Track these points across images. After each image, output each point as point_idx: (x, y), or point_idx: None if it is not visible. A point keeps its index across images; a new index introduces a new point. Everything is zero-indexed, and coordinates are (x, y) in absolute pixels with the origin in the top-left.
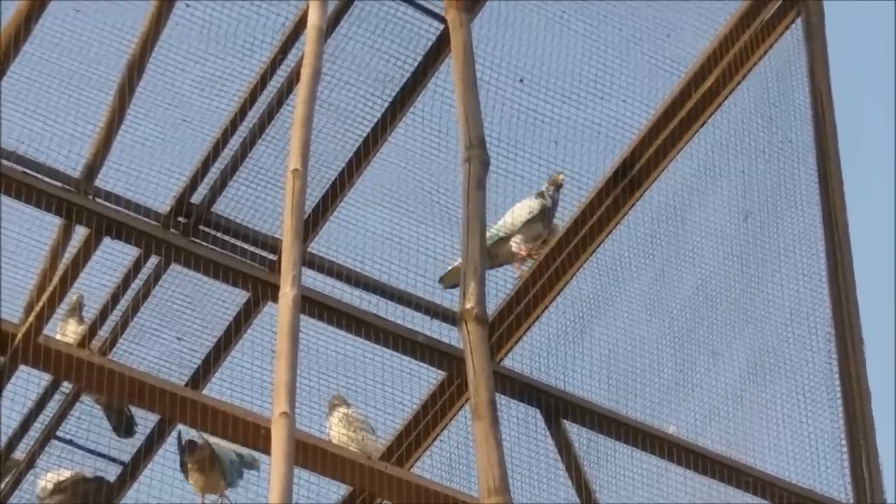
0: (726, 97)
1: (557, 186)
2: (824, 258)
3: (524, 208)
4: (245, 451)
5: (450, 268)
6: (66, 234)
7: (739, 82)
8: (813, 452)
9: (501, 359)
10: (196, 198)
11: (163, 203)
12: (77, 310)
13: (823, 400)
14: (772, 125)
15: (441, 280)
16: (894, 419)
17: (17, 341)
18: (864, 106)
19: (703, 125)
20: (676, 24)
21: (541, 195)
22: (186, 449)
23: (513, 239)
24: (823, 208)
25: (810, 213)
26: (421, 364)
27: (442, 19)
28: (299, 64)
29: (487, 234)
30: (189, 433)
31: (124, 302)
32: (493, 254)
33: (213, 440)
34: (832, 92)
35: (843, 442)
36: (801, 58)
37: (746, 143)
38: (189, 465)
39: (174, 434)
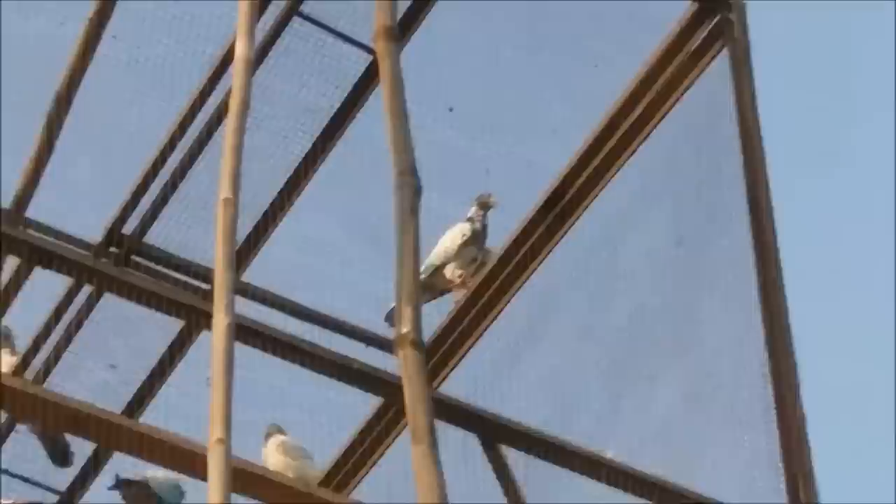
0: (655, 126)
1: (486, 208)
2: (756, 282)
3: (455, 234)
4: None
5: (393, 305)
6: None
7: (667, 112)
8: (750, 474)
9: (438, 385)
10: (127, 228)
11: (94, 234)
12: (8, 341)
13: (759, 422)
14: (701, 153)
15: (386, 318)
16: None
17: None
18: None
19: (632, 154)
20: (604, 54)
21: (470, 220)
22: (123, 487)
23: (447, 266)
24: (753, 232)
25: (742, 237)
26: (357, 391)
27: (370, 50)
28: (228, 95)
29: (423, 266)
30: (124, 473)
31: (57, 332)
32: (430, 284)
33: (150, 472)
34: (759, 118)
35: (780, 464)
36: (728, 84)
37: (677, 171)
38: (129, 500)
39: (112, 478)
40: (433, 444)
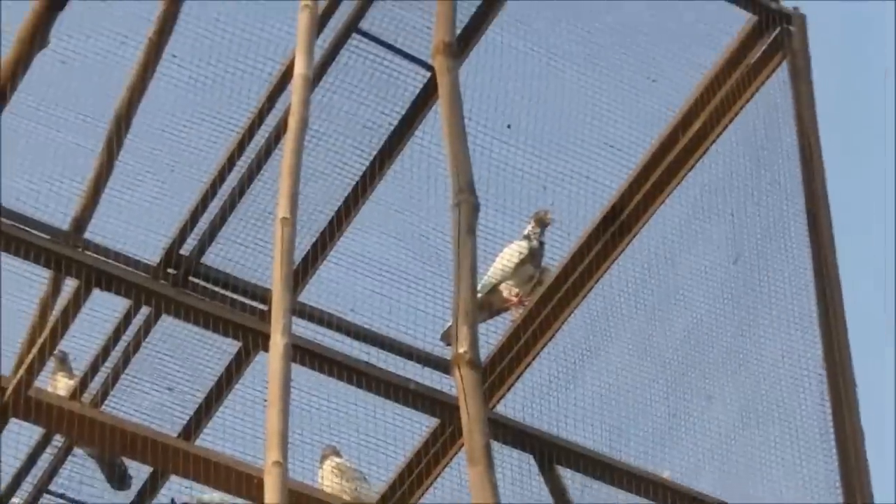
0: (714, 140)
1: (543, 225)
2: (815, 299)
3: (512, 252)
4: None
5: (450, 324)
6: (55, 286)
7: (727, 126)
8: (808, 496)
9: (494, 405)
10: (185, 249)
11: (152, 255)
12: (65, 364)
13: (817, 442)
14: (760, 167)
15: (443, 337)
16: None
17: (7, 395)
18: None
19: (691, 169)
20: (663, 69)
21: (526, 237)
22: None
23: (504, 285)
24: (813, 250)
25: (800, 255)
26: (413, 412)
27: (429, 67)
28: (286, 114)
29: (480, 284)
30: (180, 497)
31: (115, 354)
32: (488, 302)
33: (207, 497)
34: (819, 133)
35: (838, 484)
36: (788, 100)
37: (735, 186)
38: None
39: (168, 501)
40: (490, 466)
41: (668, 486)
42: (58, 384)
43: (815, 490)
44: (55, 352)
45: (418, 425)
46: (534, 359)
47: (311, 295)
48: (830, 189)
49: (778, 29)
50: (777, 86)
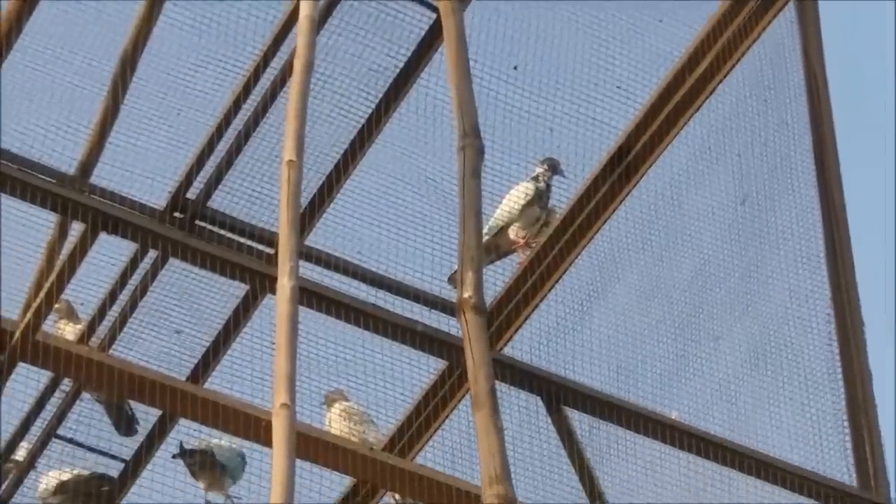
0: (720, 81)
1: (554, 171)
2: (822, 240)
3: (519, 193)
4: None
5: (457, 267)
6: (62, 230)
7: (733, 66)
8: (815, 434)
9: (502, 347)
10: (192, 193)
11: (158, 200)
12: (72, 312)
13: (825, 382)
14: (767, 108)
15: (450, 280)
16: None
17: (15, 339)
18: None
19: (697, 110)
20: (669, 10)
21: (535, 179)
22: (187, 456)
23: (511, 226)
24: (820, 190)
25: (807, 195)
26: (421, 354)
27: (434, 8)
28: (292, 56)
29: (486, 226)
30: (188, 443)
31: (122, 298)
32: (495, 244)
33: (215, 441)
34: (826, 73)
35: (846, 424)
36: (795, 40)
37: (742, 127)
38: (193, 470)
39: (176, 447)
40: (495, 409)
41: (676, 427)
42: (65, 331)
43: (823, 429)
44: (61, 300)
45: (426, 368)
46: (541, 301)
47: (317, 238)
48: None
49: None
50: (784, 25)
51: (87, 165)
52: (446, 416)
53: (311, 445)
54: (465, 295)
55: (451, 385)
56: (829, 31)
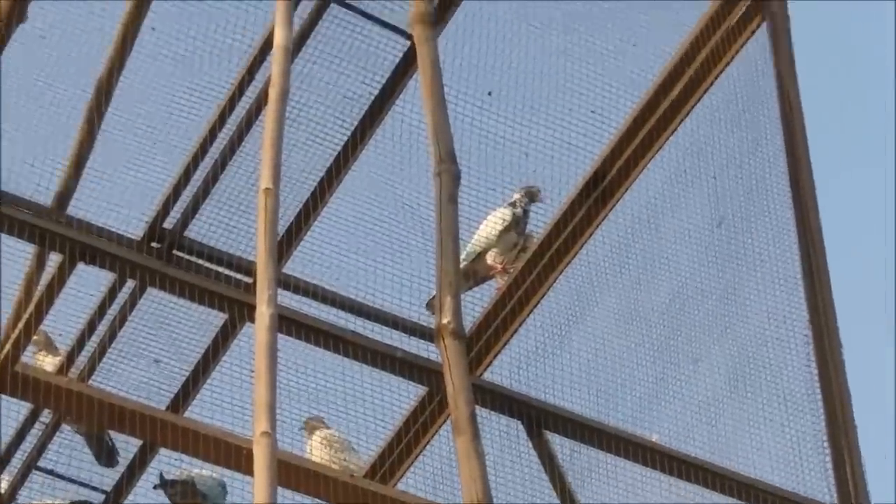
0: (694, 105)
1: (532, 198)
2: (799, 261)
3: (496, 219)
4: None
5: (435, 293)
6: (39, 261)
7: (707, 89)
8: (795, 455)
9: (482, 372)
10: (168, 223)
11: (135, 230)
12: (50, 343)
13: (804, 403)
14: (742, 131)
15: (428, 305)
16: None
17: None
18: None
19: (672, 133)
20: (643, 34)
21: (512, 204)
22: (168, 486)
23: (488, 253)
24: (796, 212)
25: (783, 217)
26: (401, 380)
27: (408, 36)
28: (267, 84)
29: (464, 253)
30: (169, 473)
31: (100, 329)
32: (473, 270)
33: (196, 472)
34: (800, 94)
35: (826, 444)
36: (768, 62)
37: (717, 150)
38: (174, 500)
39: (156, 477)
40: (476, 435)
41: (656, 450)
42: (44, 362)
43: (803, 449)
44: (39, 331)
45: (406, 395)
46: (520, 326)
47: (295, 266)
48: (815, 152)
49: None
50: (757, 48)
51: (64, 196)
52: (427, 442)
53: (293, 473)
54: (444, 321)
55: (432, 411)
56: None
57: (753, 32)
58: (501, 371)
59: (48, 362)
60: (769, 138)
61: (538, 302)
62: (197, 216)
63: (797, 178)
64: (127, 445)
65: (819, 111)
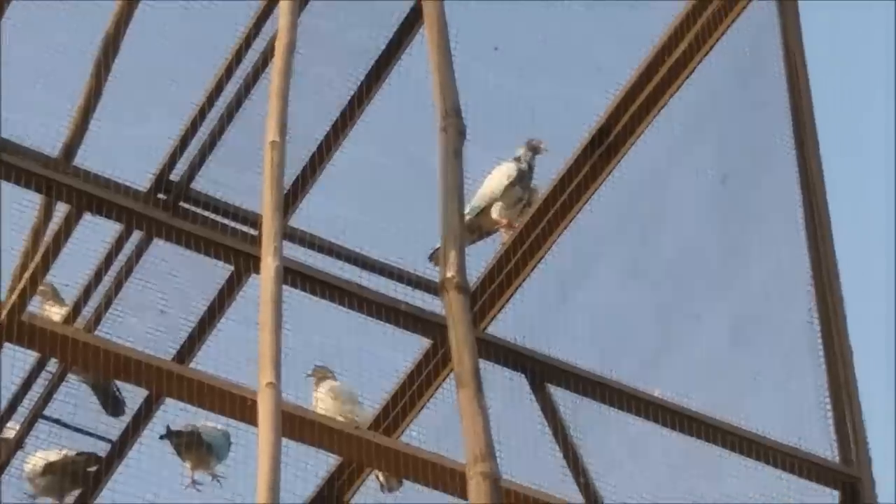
0: (700, 61)
1: (535, 151)
2: (802, 218)
3: (501, 174)
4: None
5: (439, 246)
6: (46, 212)
7: (713, 46)
8: (798, 411)
9: (486, 326)
10: (175, 175)
11: (142, 181)
12: (56, 295)
13: (806, 359)
14: (746, 89)
15: (431, 258)
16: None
17: (0, 320)
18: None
19: (677, 90)
20: None
21: (517, 159)
22: (174, 437)
23: (493, 207)
24: (800, 169)
25: (787, 175)
26: (405, 332)
27: None
28: (274, 37)
29: (469, 207)
30: (175, 424)
31: (107, 279)
32: (477, 225)
33: (201, 422)
34: (805, 54)
35: (827, 399)
36: (775, 21)
37: (722, 107)
38: (180, 450)
39: (162, 427)
40: (478, 388)
41: (658, 404)
42: (50, 313)
43: (805, 405)
44: (45, 282)
45: (410, 348)
46: (524, 280)
47: (301, 219)
48: (819, 109)
49: None
50: (764, 6)
51: (71, 147)
52: (431, 395)
53: (297, 424)
54: (449, 274)
55: (436, 364)
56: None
57: None
58: (506, 325)
59: (54, 312)
60: (774, 97)
61: (542, 256)
62: (203, 168)
63: (801, 135)
64: (134, 393)
65: (823, 68)
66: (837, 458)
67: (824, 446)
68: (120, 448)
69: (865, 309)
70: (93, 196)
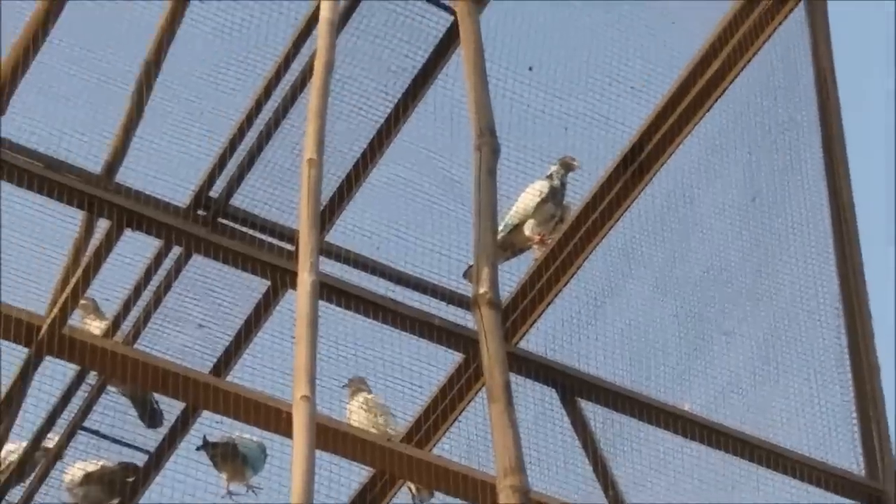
0: (732, 81)
1: (568, 169)
2: (831, 236)
3: (534, 191)
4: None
5: (473, 263)
6: (87, 228)
7: (744, 66)
8: (825, 426)
9: (517, 341)
10: (214, 191)
11: (182, 198)
12: (97, 309)
13: (834, 374)
14: (777, 107)
15: (465, 274)
16: None
17: (42, 333)
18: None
19: (709, 109)
20: (682, 11)
21: (549, 177)
22: (210, 448)
23: (526, 224)
24: (829, 186)
25: (817, 192)
26: (438, 347)
27: (451, 11)
28: (312, 57)
29: (502, 224)
30: (211, 435)
31: (146, 294)
32: (510, 242)
33: (237, 434)
34: (835, 71)
35: (854, 415)
36: (805, 40)
37: (752, 125)
38: (216, 461)
39: (199, 439)
40: (509, 403)
41: (688, 419)
42: (90, 326)
43: (832, 420)
44: (86, 297)
45: (443, 362)
46: (556, 296)
47: (337, 235)
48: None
49: None
50: (795, 26)
51: (113, 164)
52: (463, 409)
53: (331, 436)
54: (481, 290)
55: (468, 378)
56: (836, 28)
57: (791, 10)
58: (537, 340)
59: (95, 326)
60: (804, 114)
61: (574, 273)
62: (242, 185)
63: (831, 153)
64: (171, 406)
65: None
66: (864, 472)
67: (850, 460)
68: (157, 459)
69: (885, 331)
70: (133, 212)
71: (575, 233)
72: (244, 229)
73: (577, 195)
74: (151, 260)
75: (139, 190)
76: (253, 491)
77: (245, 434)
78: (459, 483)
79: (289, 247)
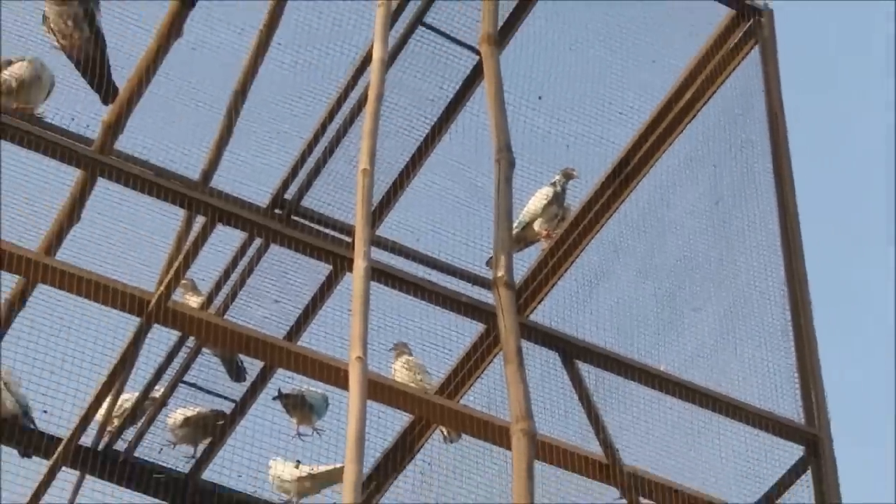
0: (700, 108)
1: (568, 178)
2: (778, 233)
3: (541, 196)
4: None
5: (493, 253)
6: (187, 223)
7: (711, 96)
8: (773, 383)
9: (528, 314)
10: (289, 194)
11: (262, 199)
12: (195, 288)
13: (780, 342)
14: (737, 129)
15: (488, 263)
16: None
17: (151, 307)
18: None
19: (682, 131)
20: (660, 52)
21: (553, 185)
22: (283, 398)
23: (535, 222)
24: (777, 194)
25: (767, 198)
26: (465, 319)
27: (477, 52)
28: (366, 89)
29: (516, 222)
30: (285, 388)
31: (233, 277)
32: (523, 236)
33: (305, 387)
34: (783, 101)
35: (796, 375)
36: (759, 75)
37: (718, 144)
38: (288, 409)
39: (275, 391)
40: (521, 365)
41: (663, 377)
42: (190, 301)
43: (778, 379)
44: (186, 278)
45: (468, 331)
46: (559, 279)
47: (385, 230)
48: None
49: (751, 20)
50: (750, 66)
51: (208, 172)
52: (484, 369)
53: (380, 390)
54: (499, 274)
55: (488, 344)
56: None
57: (748, 54)
58: (544, 313)
59: (193, 301)
60: (758, 136)
61: (574, 261)
62: (310, 189)
63: (779, 167)
64: (252, 366)
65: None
66: (804, 421)
67: (793, 412)
68: (241, 407)
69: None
70: (224, 211)
71: (574, 229)
72: (312, 225)
73: (576, 199)
74: (238, 249)
75: (228, 193)
76: (318, 432)
77: (311, 387)
78: (481, 427)
79: (347, 239)
